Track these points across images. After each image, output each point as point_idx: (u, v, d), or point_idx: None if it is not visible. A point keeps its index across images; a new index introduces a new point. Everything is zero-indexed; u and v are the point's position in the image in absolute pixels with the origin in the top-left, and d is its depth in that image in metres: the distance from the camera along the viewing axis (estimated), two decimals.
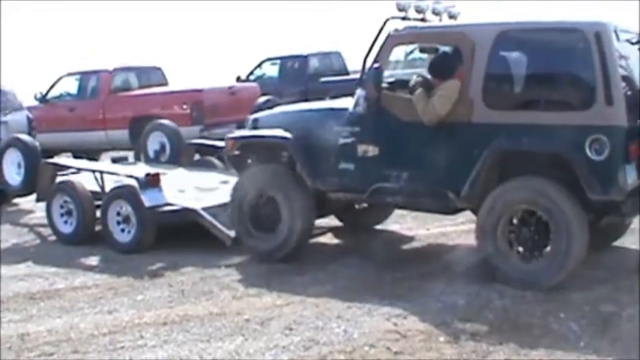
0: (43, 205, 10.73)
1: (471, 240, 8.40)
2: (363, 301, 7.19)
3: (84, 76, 17.54)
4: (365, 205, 9.86)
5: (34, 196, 11.26)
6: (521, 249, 7.55)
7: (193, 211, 9.42)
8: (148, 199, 9.36)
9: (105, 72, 17.17)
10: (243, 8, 72.34)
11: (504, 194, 7.53)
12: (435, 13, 8.80)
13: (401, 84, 8.59)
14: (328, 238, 9.88)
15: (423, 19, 8.65)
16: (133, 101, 16.63)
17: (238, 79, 22.13)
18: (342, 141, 8.44)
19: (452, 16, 9.02)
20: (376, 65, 8.17)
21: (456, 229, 9.73)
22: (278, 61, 23.19)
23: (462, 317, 6.72)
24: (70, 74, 17.83)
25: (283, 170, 8.93)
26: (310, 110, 9.22)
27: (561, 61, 7.67)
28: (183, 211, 9.49)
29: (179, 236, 9.62)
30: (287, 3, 64.89)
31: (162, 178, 9.66)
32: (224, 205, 9.37)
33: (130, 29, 67.17)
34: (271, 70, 23.30)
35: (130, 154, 14.33)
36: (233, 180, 9.57)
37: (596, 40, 7.15)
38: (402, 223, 10.42)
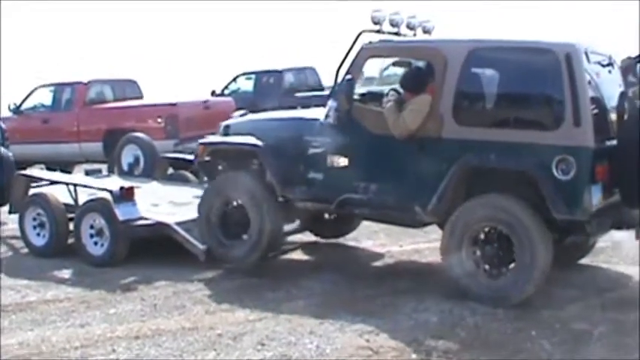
0: (15, 217, 10.67)
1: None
2: (335, 318, 7.20)
3: (58, 87, 17.41)
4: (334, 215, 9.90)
5: (6, 208, 11.18)
6: (487, 266, 7.63)
7: (167, 225, 9.38)
8: (121, 212, 9.33)
9: (80, 84, 17.05)
10: (220, 22, 72.26)
11: (467, 212, 7.63)
12: (410, 27, 8.87)
13: (373, 96, 8.68)
14: (301, 254, 9.90)
15: (397, 33, 8.71)
16: (108, 114, 16.55)
17: (213, 93, 22.15)
18: (312, 151, 8.55)
19: (426, 31, 9.08)
20: (348, 77, 8.25)
21: (429, 246, 9.73)
22: (253, 76, 23.25)
23: (434, 334, 6.74)
24: (44, 85, 17.72)
25: (252, 177, 8.93)
26: (281, 119, 9.32)
27: (532, 81, 7.76)
28: (156, 225, 9.45)
29: (152, 250, 9.57)
30: (263, 16, 64.93)
31: (136, 191, 9.64)
32: (194, 219, 9.39)
33: (106, 42, 66.93)
34: (246, 85, 23.34)
35: (104, 167, 14.27)
36: None
37: (567, 61, 7.25)
38: (375, 239, 10.45)
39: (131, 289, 8.46)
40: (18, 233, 10.54)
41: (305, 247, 10.13)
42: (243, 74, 23.30)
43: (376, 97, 8.57)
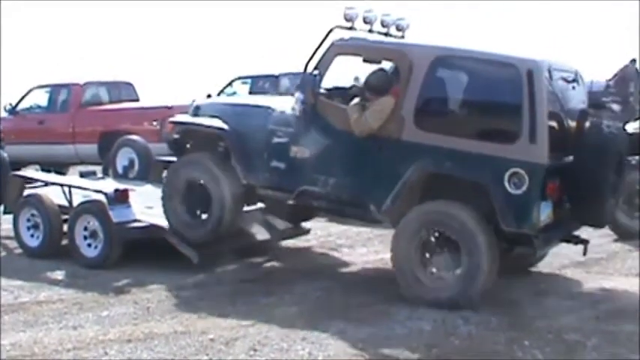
0: (9, 217, 10.67)
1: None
2: (328, 324, 7.17)
3: (54, 88, 17.44)
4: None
5: (0, 208, 11.16)
6: (434, 270, 7.77)
7: (161, 228, 9.39)
8: (116, 214, 9.33)
9: (76, 85, 17.07)
10: (219, 24, 72.18)
11: (418, 216, 7.79)
12: (384, 25, 8.96)
13: (339, 93, 8.87)
14: (294, 260, 9.89)
15: (370, 31, 8.79)
16: (103, 116, 16.54)
17: (209, 96, 22.11)
18: (276, 140, 8.71)
19: (400, 29, 9.18)
20: (315, 72, 8.41)
21: None
22: (249, 80, 23.19)
23: (428, 343, 6.73)
24: (40, 86, 17.73)
25: (215, 159, 9.13)
26: (250, 105, 9.38)
27: (493, 93, 7.96)
28: (150, 227, 9.46)
29: (146, 253, 9.54)
30: (263, 17, 65.05)
31: (130, 194, 9.63)
32: None
33: (105, 42, 66.93)
34: (242, 89, 23.27)
35: (99, 169, 14.24)
36: None
37: (528, 77, 7.37)
38: (369, 246, 10.46)
39: (124, 291, 8.43)
40: (12, 233, 10.51)
41: (298, 252, 10.12)
42: (239, 78, 23.24)
43: (343, 94, 8.77)
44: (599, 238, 10.15)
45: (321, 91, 8.62)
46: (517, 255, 8.31)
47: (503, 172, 7.36)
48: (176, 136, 9.72)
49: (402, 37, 9.20)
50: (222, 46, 63.05)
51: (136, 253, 9.51)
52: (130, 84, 18.17)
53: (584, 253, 8.39)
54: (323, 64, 8.47)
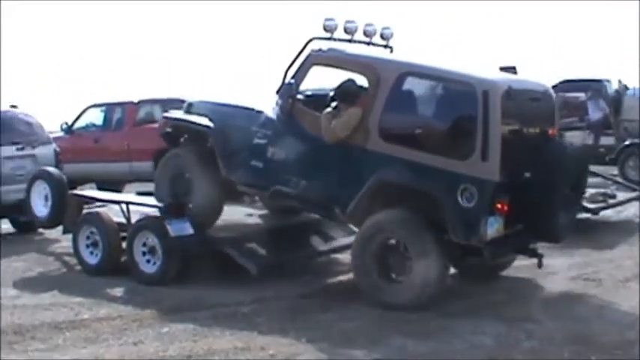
0: (68, 235, 10.75)
1: (505, 275, 9.07)
2: (389, 340, 7.14)
3: (109, 107, 17.76)
4: None
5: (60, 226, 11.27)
6: (387, 273, 8.26)
7: (219, 240, 9.47)
8: (173, 229, 9.37)
9: (130, 104, 17.32)
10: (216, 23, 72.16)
11: (374, 222, 8.27)
12: (367, 34, 9.32)
13: (315, 100, 9.25)
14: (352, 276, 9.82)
15: (350, 40, 9.15)
16: (158, 133, 16.65)
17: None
18: (256, 140, 9.28)
19: (384, 38, 9.56)
20: (291, 81, 8.89)
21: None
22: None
23: (490, 358, 6.68)
24: (95, 105, 18.06)
25: (198, 155, 9.83)
26: (235, 106, 9.88)
27: (451, 110, 8.41)
28: (208, 240, 9.54)
29: (204, 267, 9.55)
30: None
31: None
32: (250, 234, 9.76)
33: (105, 42, 67.66)
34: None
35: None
36: (257, 212, 10.43)
37: (483, 98, 7.74)
38: None
39: (183, 308, 8.45)
40: (71, 250, 10.60)
41: None
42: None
43: (319, 102, 9.13)
44: None
45: (299, 97, 9.13)
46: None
47: (456, 186, 7.79)
48: (168, 129, 10.56)
49: (386, 46, 9.64)
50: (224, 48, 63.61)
51: (195, 268, 9.53)
52: (183, 100, 18.23)
53: (539, 266, 8.69)
54: (299, 73, 9.00)
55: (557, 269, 9.67)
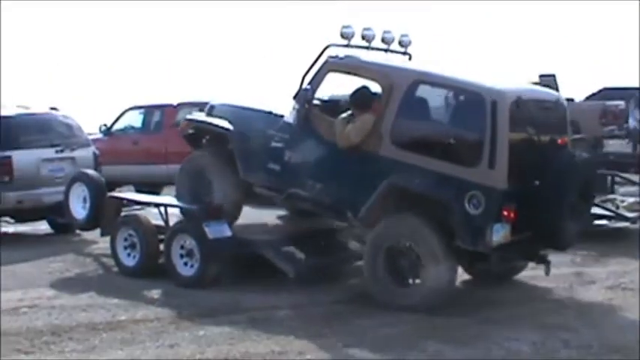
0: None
1: (542, 283, 9.09)
2: (425, 346, 7.13)
3: (148, 110, 17.90)
4: None
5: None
6: (397, 276, 8.40)
7: (257, 243, 9.51)
8: (211, 231, 9.40)
9: (169, 107, 17.41)
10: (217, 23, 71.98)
11: (386, 226, 8.47)
12: (385, 41, 9.46)
13: (331, 105, 9.49)
14: None
15: (367, 47, 9.29)
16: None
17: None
18: (273, 144, 9.45)
19: (403, 45, 9.68)
20: (308, 86, 9.03)
21: (526, 275, 9.63)
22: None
23: None
24: (134, 108, 18.17)
25: (217, 157, 10.06)
26: (255, 110, 10.02)
27: (461, 118, 8.60)
28: (246, 243, 9.59)
29: (242, 270, 9.59)
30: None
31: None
32: (288, 237, 9.78)
33: (104, 43, 67.87)
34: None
35: None
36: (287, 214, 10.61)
37: (492, 107, 7.90)
38: None
39: (219, 311, 8.47)
40: (108, 251, 10.66)
41: None
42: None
43: (334, 107, 9.37)
44: None
45: (316, 102, 9.33)
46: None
47: (464, 193, 7.95)
48: (190, 131, 10.68)
49: (405, 53, 9.76)
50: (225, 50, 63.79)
51: (232, 271, 9.54)
52: None
53: (547, 274, 8.67)
54: (316, 80, 9.16)
55: (595, 278, 9.62)
